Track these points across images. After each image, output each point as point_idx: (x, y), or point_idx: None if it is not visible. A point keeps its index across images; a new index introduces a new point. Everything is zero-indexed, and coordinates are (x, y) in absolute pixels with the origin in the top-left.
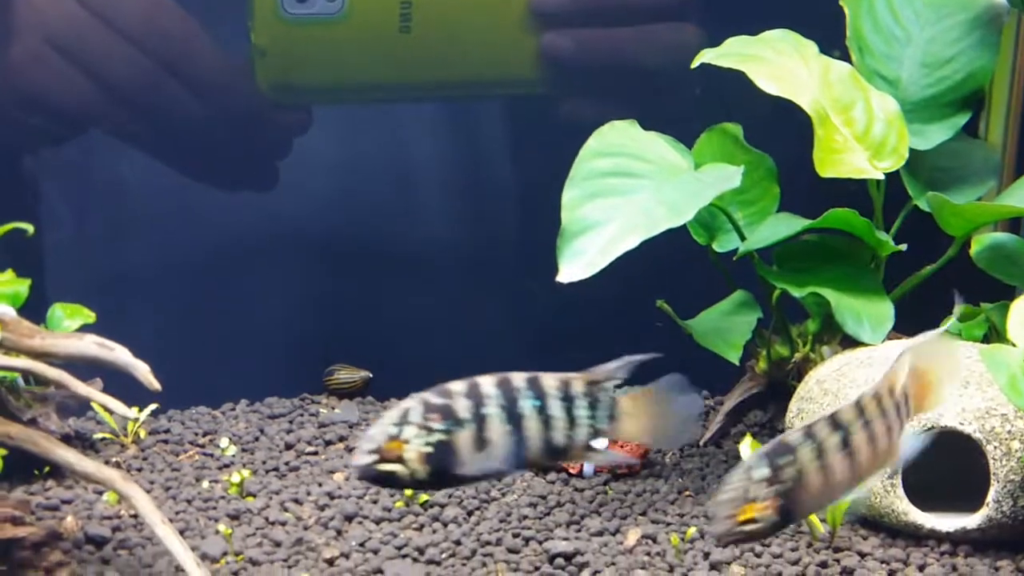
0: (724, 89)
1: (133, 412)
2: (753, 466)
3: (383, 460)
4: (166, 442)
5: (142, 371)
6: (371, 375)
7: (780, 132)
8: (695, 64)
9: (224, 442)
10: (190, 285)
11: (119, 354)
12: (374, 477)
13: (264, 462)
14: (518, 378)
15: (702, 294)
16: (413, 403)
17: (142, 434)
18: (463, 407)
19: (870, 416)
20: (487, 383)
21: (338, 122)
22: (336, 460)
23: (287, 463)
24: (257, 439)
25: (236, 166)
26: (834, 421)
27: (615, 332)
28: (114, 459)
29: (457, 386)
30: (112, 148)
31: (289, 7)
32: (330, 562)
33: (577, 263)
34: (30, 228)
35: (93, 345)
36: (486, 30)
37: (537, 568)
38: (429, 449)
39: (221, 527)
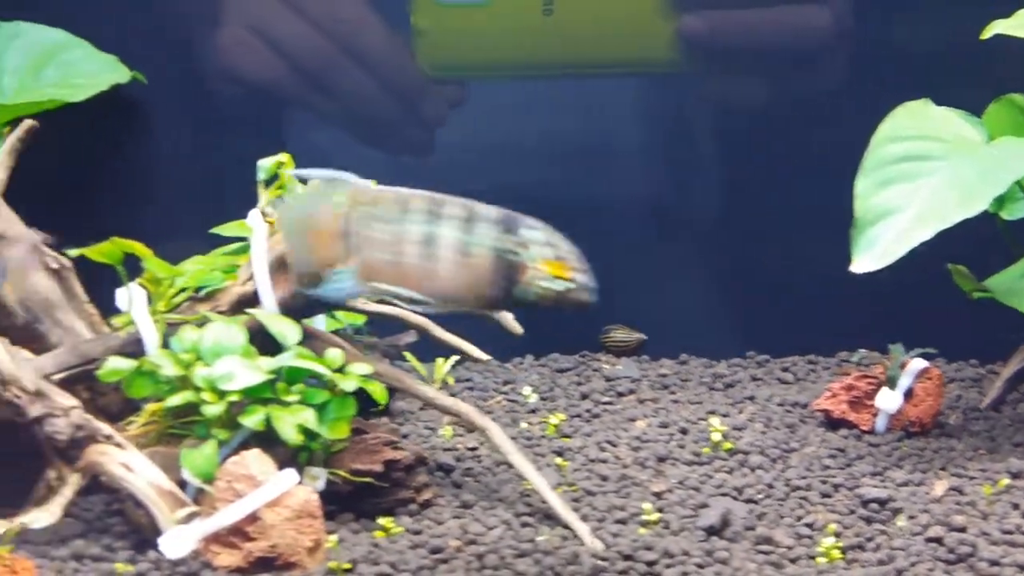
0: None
1: (487, 356)
2: None
3: None
4: (471, 389)
5: (508, 318)
6: (646, 337)
7: None
8: (987, 35)
9: (527, 390)
10: None
11: None
12: None
13: (566, 409)
14: None
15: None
16: None
17: (450, 381)
18: None
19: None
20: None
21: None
22: (633, 409)
23: (588, 410)
24: (552, 389)
25: (399, 133)
26: None
27: (893, 300)
28: None
29: None
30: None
31: None
32: (658, 495)
33: (871, 253)
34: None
35: None
36: (625, 12)
37: (852, 511)
38: None
39: (557, 460)
